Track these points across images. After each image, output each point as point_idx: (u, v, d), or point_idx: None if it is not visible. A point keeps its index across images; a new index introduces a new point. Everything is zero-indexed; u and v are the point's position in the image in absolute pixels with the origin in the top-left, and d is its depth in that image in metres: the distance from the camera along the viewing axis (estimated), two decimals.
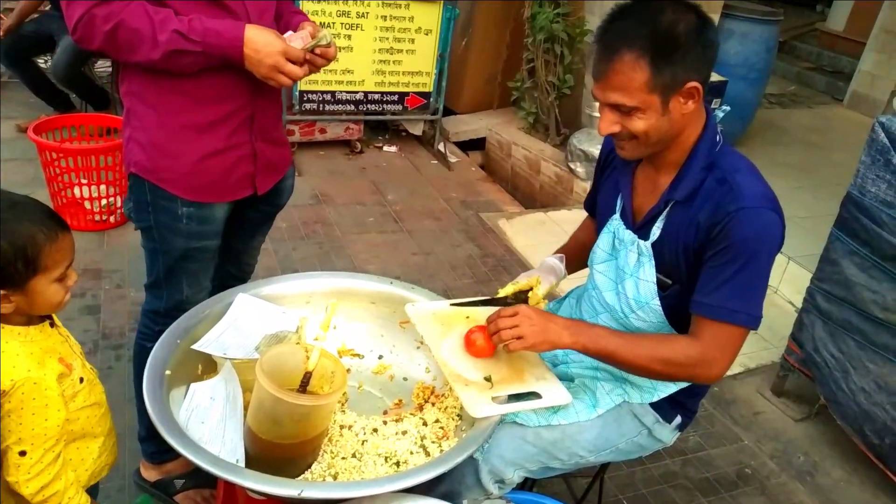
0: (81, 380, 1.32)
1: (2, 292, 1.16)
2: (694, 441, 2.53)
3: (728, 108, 1.54)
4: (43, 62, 4.53)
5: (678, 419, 1.59)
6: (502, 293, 1.67)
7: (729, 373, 2.93)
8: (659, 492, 2.30)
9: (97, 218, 3.32)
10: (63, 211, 3.29)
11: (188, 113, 1.62)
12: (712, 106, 1.55)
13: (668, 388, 1.55)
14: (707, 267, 1.36)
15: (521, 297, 1.68)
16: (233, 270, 2.06)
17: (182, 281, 1.81)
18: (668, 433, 1.60)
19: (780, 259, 3.48)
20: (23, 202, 1.20)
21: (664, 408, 1.57)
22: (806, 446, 2.57)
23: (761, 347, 3.08)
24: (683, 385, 1.55)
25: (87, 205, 3.29)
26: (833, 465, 2.50)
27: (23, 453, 1.19)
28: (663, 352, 1.38)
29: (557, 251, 1.83)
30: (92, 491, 1.46)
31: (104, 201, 3.30)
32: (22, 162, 3.77)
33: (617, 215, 1.54)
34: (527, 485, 1.95)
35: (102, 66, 4.65)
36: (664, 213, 1.43)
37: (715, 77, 4.21)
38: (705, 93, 1.34)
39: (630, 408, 1.56)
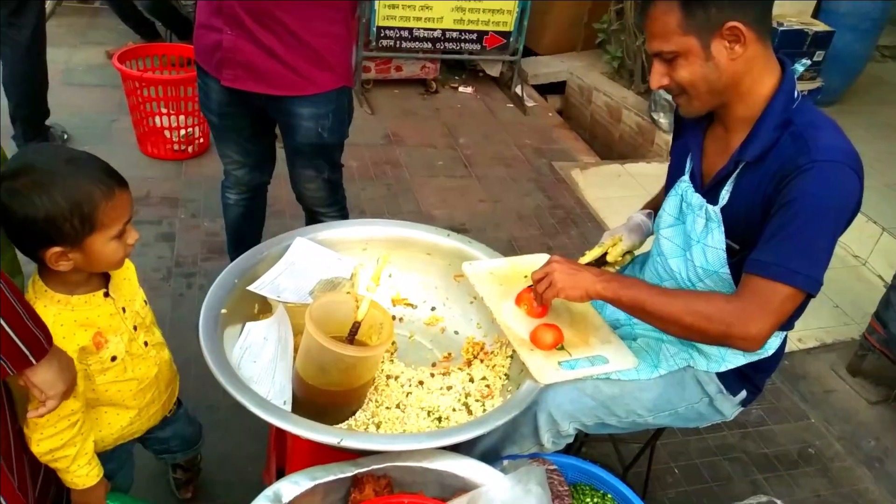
0: (114, 358, 1.30)
1: (59, 249, 1.15)
2: (756, 414, 2.43)
3: (808, 61, 1.41)
4: None
5: (743, 394, 1.53)
6: (583, 261, 1.63)
7: (803, 346, 2.81)
8: (713, 463, 2.24)
9: (176, 147, 3.42)
10: (144, 139, 3.41)
11: None
12: (805, 59, 1.43)
13: (736, 360, 1.48)
14: (769, 224, 1.26)
15: (602, 260, 1.64)
16: (294, 190, 2.27)
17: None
18: (730, 406, 1.55)
19: (872, 229, 3.25)
20: (80, 157, 1.19)
21: (730, 380, 1.51)
22: (878, 431, 2.44)
23: (841, 322, 2.91)
24: (751, 358, 1.48)
25: (167, 134, 3.38)
26: None
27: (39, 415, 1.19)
28: (697, 305, 1.29)
29: (645, 206, 1.76)
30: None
31: (183, 131, 3.38)
32: (110, 88, 3.89)
33: (686, 177, 1.46)
34: (574, 446, 1.93)
35: None
36: (734, 175, 1.35)
37: (820, 27, 3.88)
38: (761, 34, 1.27)
39: (695, 373, 1.51)
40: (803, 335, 2.80)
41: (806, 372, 2.67)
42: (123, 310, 1.32)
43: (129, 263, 1.38)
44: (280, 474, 1.55)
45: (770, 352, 1.50)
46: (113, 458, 1.47)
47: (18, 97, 3.09)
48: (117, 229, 1.20)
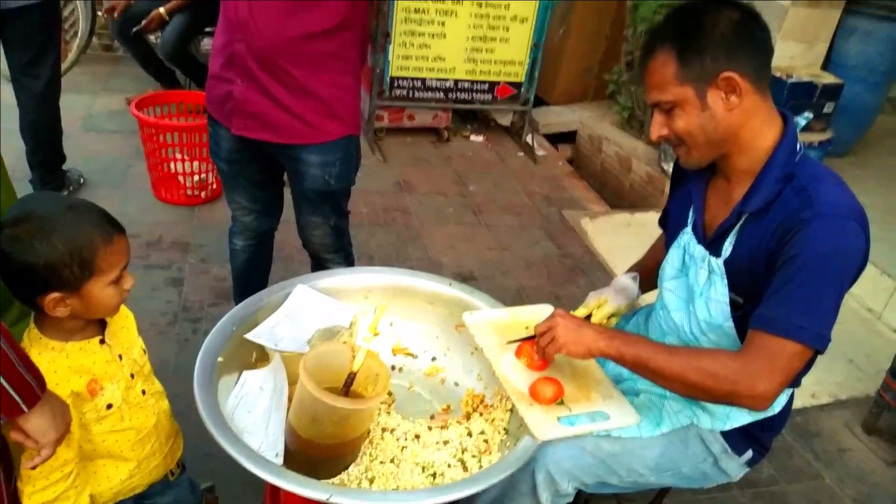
0: (109, 406, 1.28)
1: (57, 295, 1.15)
2: (767, 474, 2.36)
3: (810, 115, 1.43)
4: (154, 38, 4.75)
5: (749, 454, 1.49)
6: None
7: (816, 402, 2.74)
8: None
9: (189, 192, 3.46)
10: (158, 184, 3.46)
11: (217, 35, 1.94)
12: (807, 113, 1.43)
13: (741, 418, 1.44)
14: (774, 279, 1.24)
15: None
16: (300, 236, 2.28)
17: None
18: (735, 467, 1.50)
19: (887, 282, 3.20)
20: (80, 205, 1.21)
21: (735, 439, 1.47)
22: (895, 493, 2.35)
23: (855, 378, 2.84)
24: (757, 417, 1.44)
25: (181, 179, 3.43)
26: None
27: (33, 467, 1.17)
28: (701, 362, 1.26)
29: (631, 268, 1.75)
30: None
31: (196, 177, 3.43)
32: (128, 134, 3.97)
33: (688, 229, 1.46)
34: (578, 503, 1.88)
35: (208, 45, 4.83)
36: (737, 227, 1.34)
37: (830, 79, 3.90)
38: (759, 86, 1.28)
39: (698, 432, 1.47)
40: (816, 391, 2.74)
41: (819, 429, 2.59)
42: (120, 357, 1.31)
43: (127, 312, 1.38)
44: None
45: (777, 409, 1.46)
46: None
47: (34, 143, 3.16)
48: (115, 275, 1.21)
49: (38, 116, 3.10)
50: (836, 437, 2.57)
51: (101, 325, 1.29)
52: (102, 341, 1.27)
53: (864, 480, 2.39)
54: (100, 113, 4.33)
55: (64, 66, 3.86)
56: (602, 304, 1.61)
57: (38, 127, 3.13)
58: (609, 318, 1.62)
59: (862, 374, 2.86)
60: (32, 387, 1.04)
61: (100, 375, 1.26)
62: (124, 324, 1.35)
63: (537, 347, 1.43)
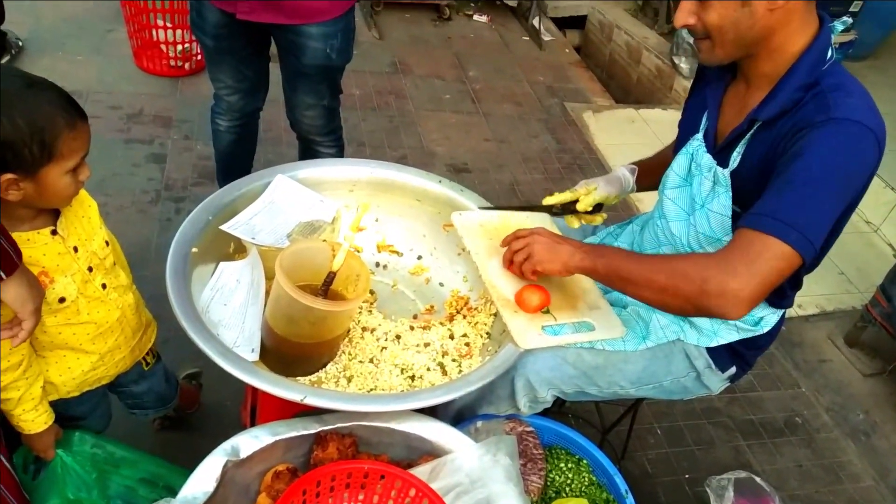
0: (62, 300, 1.22)
1: (11, 177, 1.06)
2: (746, 380, 2.39)
3: (849, 19, 1.27)
4: None
5: (732, 370, 1.48)
6: (547, 202, 1.55)
7: (802, 313, 2.74)
8: (697, 427, 2.22)
9: (172, 63, 3.28)
10: (140, 52, 3.26)
11: None
12: (847, 17, 1.28)
13: (729, 335, 1.42)
14: (772, 178, 1.13)
15: (569, 207, 1.55)
16: (289, 117, 2.20)
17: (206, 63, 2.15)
18: (717, 382, 1.49)
19: (889, 195, 3.12)
20: (41, 82, 1.10)
21: (721, 356, 1.44)
22: (868, 405, 2.40)
23: (843, 290, 2.83)
24: (745, 335, 1.41)
25: (164, 48, 3.23)
26: (894, 429, 2.33)
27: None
28: (674, 263, 1.15)
29: (634, 162, 1.65)
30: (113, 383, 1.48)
31: (180, 47, 3.24)
32: None
33: (699, 135, 1.36)
34: (556, 402, 1.90)
35: None
36: (747, 136, 1.24)
37: None
38: None
39: (683, 347, 1.44)
40: (803, 301, 2.73)
41: (802, 339, 2.61)
42: (76, 249, 1.23)
43: (90, 201, 1.30)
44: (254, 411, 1.52)
45: (766, 328, 1.43)
46: (83, 402, 1.44)
47: None
48: (74, 162, 1.12)
49: None
50: (818, 347, 2.59)
51: (53, 215, 1.20)
52: (54, 232, 1.19)
53: (839, 391, 2.43)
54: None
55: None
56: (591, 192, 1.53)
57: None
58: (595, 207, 1.55)
59: (851, 287, 2.85)
60: (10, 254, 0.99)
61: (50, 268, 1.19)
62: (84, 213, 1.27)
63: (514, 264, 1.35)
